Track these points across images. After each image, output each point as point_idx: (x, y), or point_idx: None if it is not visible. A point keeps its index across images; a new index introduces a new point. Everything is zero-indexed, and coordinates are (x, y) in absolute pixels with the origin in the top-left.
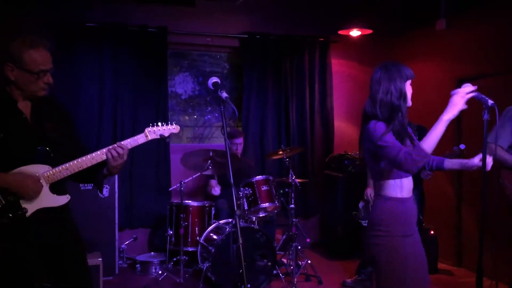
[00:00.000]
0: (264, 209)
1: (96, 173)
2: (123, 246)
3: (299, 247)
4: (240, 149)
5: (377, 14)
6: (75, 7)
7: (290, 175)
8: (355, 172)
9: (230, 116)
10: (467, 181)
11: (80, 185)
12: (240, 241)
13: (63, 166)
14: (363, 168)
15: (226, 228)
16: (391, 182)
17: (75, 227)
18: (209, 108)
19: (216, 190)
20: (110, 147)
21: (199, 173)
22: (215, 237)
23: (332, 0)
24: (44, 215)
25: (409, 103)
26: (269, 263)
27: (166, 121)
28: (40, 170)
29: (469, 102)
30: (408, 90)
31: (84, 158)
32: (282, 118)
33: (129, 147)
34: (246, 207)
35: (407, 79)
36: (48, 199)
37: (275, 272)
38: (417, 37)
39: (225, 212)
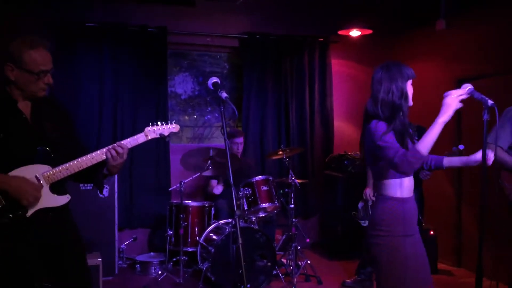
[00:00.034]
0: (264, 209)
1: (96, 173)
2: (122, 246)
3: (299, 247)
4: (240, 148)
5: (377, 14)
6: (75, 7)
7: (290, 175)
8: (355, 172)
9: (230, 116)
10: (467, 181)
11: (80, 185)
12: (240, 241)
13: (63, 166)
14: (363, 168)
15: (226, 228)
16: (391, 181)
17: (75, 227)
18: (209, 108)
19: (218, 189)
20: (110, 146)
21: (198, 173)
22: (214, 237)
23: (332, 0)
24: (44, 215)
25: (411, 102)
26: (269, 263)
27: (166, 121)
28: (40, 170)
29: (469, 102)
30: (409, 89)
31: (84, 158)
32: (282, 118)
33: (129, 146)
34: (246, 207)
35: (408, 79)
36: (48, 199)
37: (274, 272)
38: (417, 37)
39: (225, 212)
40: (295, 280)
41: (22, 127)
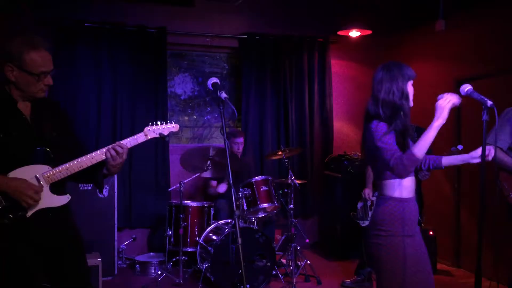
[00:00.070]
0: (263, 209)
1: (95, 173)
2: (122, 246)
3: (298, 248)
4: (241, 148)
5: (376, 15)
6: (74, 7)
7: (289, 176)
8: (354, 172)
9: (230, 116)
10: (466, 181)
11: (79, 185)
12: (239, 242)
13: (63, 166)
14: (362, 168)
15: (225, 229)
16: (391, 182)
17: (76, 227)
18: (209, 109)
19: (222, 187)
20: (110, 146)
21: (198, 174)
22: (214, 237)
23: (331, 1)
24: (44, 215)
25: (411, 103)
26: (268, 264)
27: (165, 121)
28: (39, 170)
29: (468, 102)
30: (410, 90)
31: (84, 158)
32: (281, 118)
33: (129, 146)
34: (245, 208)
35: (409, 79)
36: (48, 200)
37: (274, 272)
38: (416, 37)
39: (225, 213)
40: (294, 280)
41: (21, 127)
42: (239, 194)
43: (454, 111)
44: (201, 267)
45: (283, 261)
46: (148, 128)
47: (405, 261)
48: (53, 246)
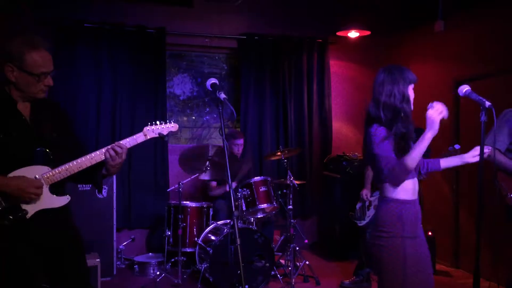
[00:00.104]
0: (262, 210)
1: (95, 173)
2: (121, 246)
3: (297, 248)
4: (240, 150)
5: (376, 15)
6: (74, 7)
7: (288, 176)
8: (353, 173)
9: (229, 117)
10: (465, 182)
11: (78, 185)
12: (238, 242)
13: (63, 167)
14: (361, 168)
15: (224, 229)
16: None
17: (75, 228)
18: (208, 109)
19: (226, 189)
20: (109, 146)
21: (197, 174)
22: (213, 238)
23: (331, 2)
24: (44, 216)
25: (411, 107)
26: (267, 264)
27: (165, 121)
28: (39, 171)
29: (466, 103)
30: (411, 94)
31: (83, 159)
32: (280, 119)
33: (128, 146)
34: (244, 208)
35: (410, 83)
36: (48, 200)
37: (273, 273)
38: (415, 38)
39: (223, 213)
40: (293, 280)
41: (21, 128)
42: (238, 195)
43: (453, 111)
44: (200, 267)
45: (282, 261)
46: (148, 128)
47: (405, 262)
48: (53, 246)
